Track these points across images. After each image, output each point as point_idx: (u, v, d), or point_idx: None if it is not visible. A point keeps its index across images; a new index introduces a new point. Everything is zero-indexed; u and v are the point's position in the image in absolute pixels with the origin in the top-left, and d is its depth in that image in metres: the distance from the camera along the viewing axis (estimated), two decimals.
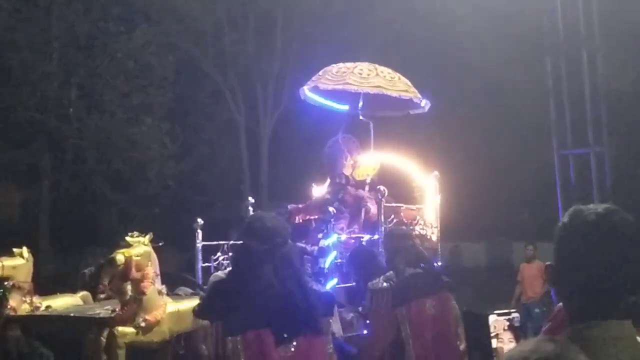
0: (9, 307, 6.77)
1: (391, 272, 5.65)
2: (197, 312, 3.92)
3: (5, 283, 6.79)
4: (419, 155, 9.52)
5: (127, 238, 6.45)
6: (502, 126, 19.29)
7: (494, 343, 7.12)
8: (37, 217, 17.67)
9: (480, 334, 6.75)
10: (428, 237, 8.42)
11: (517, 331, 7.44)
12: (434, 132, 17.54)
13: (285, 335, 3.41)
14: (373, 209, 8.25)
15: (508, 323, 7.40)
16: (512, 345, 6.89)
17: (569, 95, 14.29)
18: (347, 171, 8.73)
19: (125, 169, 17.52)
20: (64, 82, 17.62)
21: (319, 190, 9.27)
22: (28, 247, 7.11)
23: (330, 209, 7.83)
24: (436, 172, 8.60)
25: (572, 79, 14.23)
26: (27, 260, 6.98)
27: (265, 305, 3.38)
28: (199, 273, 8.59)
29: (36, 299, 7.02)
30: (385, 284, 5.59)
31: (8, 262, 6.81)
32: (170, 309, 6.51)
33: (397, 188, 8.87)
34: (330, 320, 4.07)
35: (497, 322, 7.34)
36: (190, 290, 7.70)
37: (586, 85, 14.13)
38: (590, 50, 14.28)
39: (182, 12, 19.13)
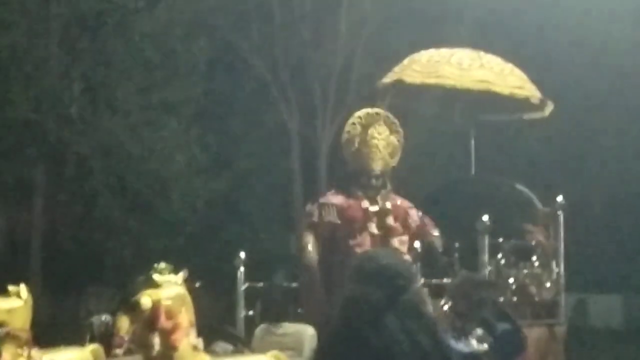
0: None
1: (480, 330, 5.75)
2: None
3: None
4: (531, 173, 9.50)
5: (155, 275, 6.52)
6: None
7: None
8: (27, 245, 18.03)
9: None
10: (544, 284, 8.34)
11: None
12: (551, 143, 17.43)
13: None
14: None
15: None
16: None
17: None
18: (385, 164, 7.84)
19: (141, 186, 17.78)
20: (66, 72, 17.96)
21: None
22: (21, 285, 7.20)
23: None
24: (560, 198, 8.53)
25: None
26: (26, 302, 7.07)
27: None
28: (241, 324, 8.71)
29: (35, 352, 7.12)
30: (483, 346, 5.66)
31: (1, 304, 6.91)
32: None
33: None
34: None
35: None
36: (230, 347, 7.77)
37: None
38: None
39: None
